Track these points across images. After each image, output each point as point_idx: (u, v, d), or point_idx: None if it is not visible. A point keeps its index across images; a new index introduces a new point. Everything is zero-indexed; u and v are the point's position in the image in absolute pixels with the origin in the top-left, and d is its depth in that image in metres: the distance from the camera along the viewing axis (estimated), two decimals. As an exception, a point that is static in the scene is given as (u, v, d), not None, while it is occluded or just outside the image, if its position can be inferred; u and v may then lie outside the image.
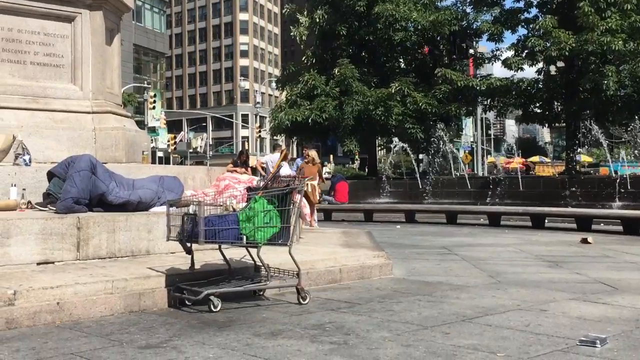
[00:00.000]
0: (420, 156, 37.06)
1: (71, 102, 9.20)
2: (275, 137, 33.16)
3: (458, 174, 28.66)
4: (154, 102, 52.88)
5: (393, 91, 27.89)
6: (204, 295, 5.53)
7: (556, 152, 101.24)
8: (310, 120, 28.19)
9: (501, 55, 30.92)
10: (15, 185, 7.39)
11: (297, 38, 31.88)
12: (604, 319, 5.42)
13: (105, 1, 9.52)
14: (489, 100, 31.21)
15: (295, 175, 6.41)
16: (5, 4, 8.77)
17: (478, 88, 29.02)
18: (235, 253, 6.62)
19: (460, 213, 18.90)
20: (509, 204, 21.16)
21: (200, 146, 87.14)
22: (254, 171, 18.46)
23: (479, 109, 36.87)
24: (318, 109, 28.30)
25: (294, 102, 29.73)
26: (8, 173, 7.56)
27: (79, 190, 7.06)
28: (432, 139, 29.20)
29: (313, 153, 14.79)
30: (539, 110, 30.34)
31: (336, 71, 28.87)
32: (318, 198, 14.84)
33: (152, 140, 52.83)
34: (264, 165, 17.90)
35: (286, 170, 15.32)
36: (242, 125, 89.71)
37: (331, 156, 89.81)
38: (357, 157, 75.67)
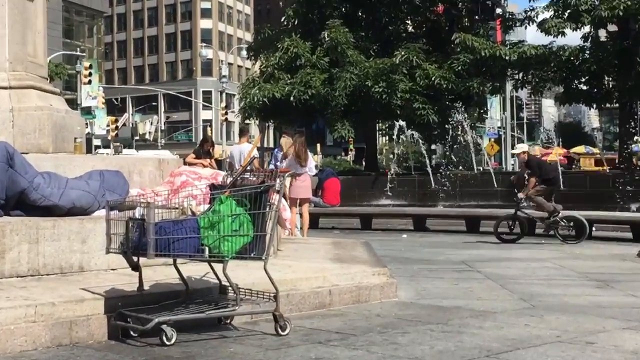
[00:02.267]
0: (433, 146, 37.19)
1: (-20, 73, 9.14)
2: (246, 121, 33.11)
3: (481, 169, 28.82)
4: (90, 75, 52.60)
5: (398, 61, 27.95)
6: (155, 323, 5.51)
7: (606, 140, 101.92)
8: (292, 98, 28.19)
9: (537, 16, 31.10)
10: None
11: (275, -8, 31.94)
12: (667, 353, 5.47)
13: (26, -57, 9.46)
14: (521, 74, 31.33)
15: (271, 170, 6.41)
16: None
17: (507, 58, 29.10)
18: (195, 270, 6.60)
19: (484, 218, 18.94)
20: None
21: (150, 132, 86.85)
22: (220, 164, 18.45)
23: (508, 86, 37.05)
24: (301, 84, 28.32)
25: (270, 75, 29.72)
26: None
27: (-10, 188, 7.03)
28: (448, 124, 29.29)
29: (285, 141, 15.01)
30: (584, 87, 30.49)
31: (325, 35, 28.90)
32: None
33: (87, 124, 52.61)
34: (230, 160, 17.74)
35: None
36: (204, 106, 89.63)
37: (318, 145, 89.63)
38: (351, 146, 75.69)
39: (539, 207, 15.61)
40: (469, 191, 24.20)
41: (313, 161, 16.28)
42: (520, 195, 15.45)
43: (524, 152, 15.98)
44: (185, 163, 12.93)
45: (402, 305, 7.48)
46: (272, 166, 15.06)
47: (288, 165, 14.17)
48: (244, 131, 18.61)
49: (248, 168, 6.50)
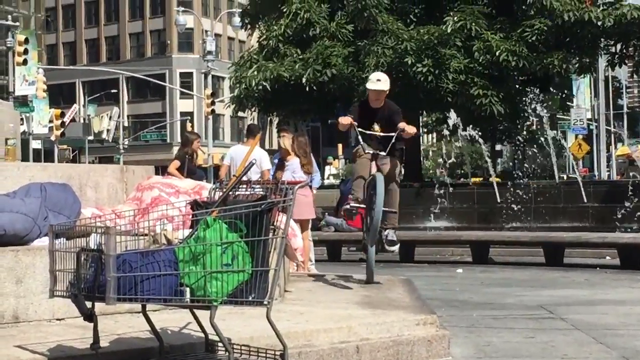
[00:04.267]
0: (498, 146, 37.14)
1: None
2: (241, 114, 33.19)
3: (565, 177, 28.75)
4: (26, 52, 52.85)
5: (449, 30, 27.93)
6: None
7: None
8: (304, 81, 28.20)
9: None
10: None
11: None
12: None
13: None
14: (619, 46, 31.22)
15: (275, 181, 6.42)
16: None
17: (600, 24, 29.04)
18: (172, 319, 6.61)
19: (569, 246, 18.91)
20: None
21: (108, 129, 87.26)
22: (206, 173, 18.54)
23: (602, 62, 36.90)
24: (317, 62, 28.33)
25: (273, 50, 29.75)
26: None
27: None
28: (520, 116, 29.19)
29: (286, 141, 15.22)
30: None
31: (348, -5, 28.99)
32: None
33: (22, 119, 52.93)
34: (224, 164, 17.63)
35: (265, 165, 15.46)
36: (182, 93, 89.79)
37: (340, 147, 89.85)
38: (385, 147, 75.84)
39: None
40: (548, 208, 24.15)
41: (318, 170, 16.43)
42: None
43: None
44: (163, 174, 13.03)
45: (458, 366, 7.47)
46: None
47: (292, 173, 14.40)
48: (253, 131, 17.76)
49: (245, 178, 6.51)
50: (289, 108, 31.16)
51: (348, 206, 11.90)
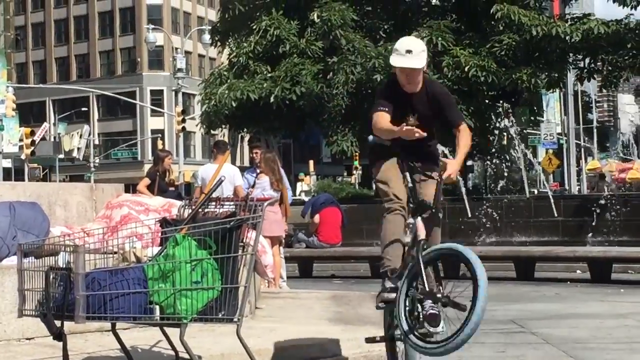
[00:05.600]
0: (469, 162, 37.22)
1: None
2: (212, 132, 33.06)
3: (536, 192, 28.84)
4: (-6, 70, 52.78)
5: (418, 46, 28.00)
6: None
7: None
8: (273, 99, 28.21)
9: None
10: None
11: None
12: None
13: None
14: (587, 61, 31.38)
15: (244, 197, 6.42)
16: None
17: (568, 39, 29.21)
18: (142, 337, 6.59)
19: (540, 260, 18.96)
20: (626, 243, 21.28)
21: (79, 148, 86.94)
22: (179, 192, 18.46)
23: (571, 77, 37.09)
24: (286, 79, 28.35)
25: (243, 67, 29.74)
26: None
27: None
28: (490, 131, 29.27)
29: (263, 155, 15.32)
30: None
31: (315, 15, 29.01)
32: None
33: (-9, 138, 52.72)
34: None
35: (237, 181, 15.44)
36: (153, 111, 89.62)
37: (311, 163, 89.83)
38: (356, 163, 75.94)
39: None
40: (519, 223, 24.22)
41: (289, 187, 16.47)
42: None
43: None
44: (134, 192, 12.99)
45: (429, 381, 7.46)
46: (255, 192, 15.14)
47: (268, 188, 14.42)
48: (221, 147, 17.73)
49: (215, 195, 6.52)
50: (259, 125, 31.14)
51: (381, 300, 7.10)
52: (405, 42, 7.34)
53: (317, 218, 20.99)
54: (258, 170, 15.54)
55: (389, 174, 7.19)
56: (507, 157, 28.43)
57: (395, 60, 7.19)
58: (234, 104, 28.49)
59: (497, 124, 28.96)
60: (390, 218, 7.20)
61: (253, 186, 15.27)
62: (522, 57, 29.03)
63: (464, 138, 7.55)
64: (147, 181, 17.42)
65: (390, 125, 7.02)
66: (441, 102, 7.50)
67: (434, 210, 6.98)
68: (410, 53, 7.13)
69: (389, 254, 7.22)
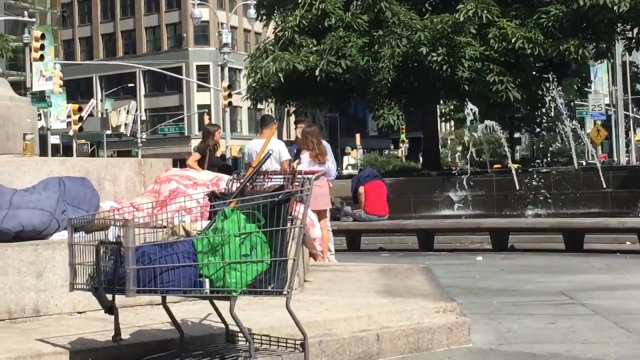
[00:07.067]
0: (517, 134, 37.01)
1: None
2: (259, 105, 33.08)
3: (584, 163, 28.62)
4: (42, 48, 52.95)
5: (462, 18, 27.85)
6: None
7: None
8: (318, 72, 28.18)
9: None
10: None
11: None
12: None
13: None
14: (635, 31, 31.05)
15: (292, 171, 6.40)
16: None
17: (616, 9, 28.86)
18: (192, 310, 6.61)
19: (589, 232, 18.83)
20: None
21: (126, 123, 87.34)
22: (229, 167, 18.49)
23: (619, 47, 36.70)
24: (332, 53, 28.31)
25: (289, 40, 29.76)
26: None
27: None
28: (537, 103, 29.05)
29: (301, 130, 15.11)
30: None
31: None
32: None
33: (40, 114, 53.05)
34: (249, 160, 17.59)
35: (283, 156, 15.39)
36: (199, 86, 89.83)
37: (357, 137, 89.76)
38: (403, 136, 75.79)
39: None
40: (567, 195, 24.08)
41: (334, 161, 16.33)
42: None
43: None
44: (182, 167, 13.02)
45: (478, 353, 7.46)
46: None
47: (307, 165, 14.27)
48: (267, 122, 17.90)
49: (263, 169, 6.50)
50: (304, 99, 31.15)
51: None
52: None
53: (362, 189, 20.95)
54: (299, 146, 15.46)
55: None
56: (555, 129, 28.19)
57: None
58: (280, 75, 28.51)
59: (545, 96, 28.69)
60: None
61: (295, 161, 15.20)
62: (570, 28, 28.77)
63: None
64: (197, 156, 17.43)
65: None
66: None
67: None
68: None
69: None
